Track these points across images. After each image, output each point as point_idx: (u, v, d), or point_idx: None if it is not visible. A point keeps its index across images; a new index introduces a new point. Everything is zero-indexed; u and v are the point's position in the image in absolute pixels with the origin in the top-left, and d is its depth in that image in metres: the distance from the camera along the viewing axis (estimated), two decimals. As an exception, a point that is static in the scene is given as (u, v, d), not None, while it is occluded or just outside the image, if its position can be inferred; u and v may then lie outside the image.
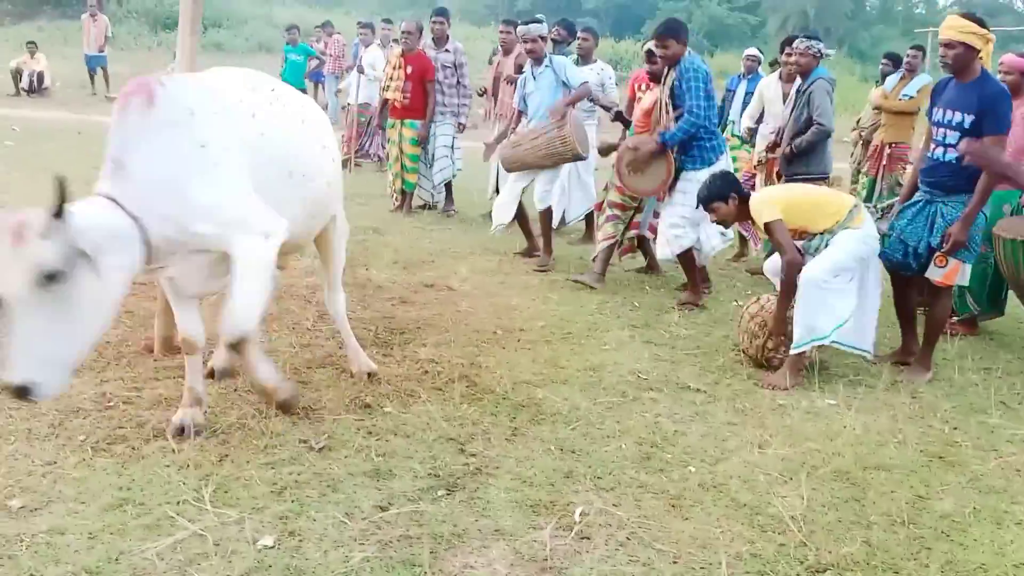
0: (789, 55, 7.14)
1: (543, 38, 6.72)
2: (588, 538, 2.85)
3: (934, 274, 4.32)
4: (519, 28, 7.16)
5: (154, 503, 2.84)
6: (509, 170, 6.76)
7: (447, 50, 8.13)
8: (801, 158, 6.17)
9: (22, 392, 2.61)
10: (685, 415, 3.90)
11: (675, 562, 2.73)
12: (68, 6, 31.10)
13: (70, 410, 3.46)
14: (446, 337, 4.72)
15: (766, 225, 4.41)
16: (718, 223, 4.84)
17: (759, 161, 7.41)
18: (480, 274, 6.20)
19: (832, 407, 4.08)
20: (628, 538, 2.85)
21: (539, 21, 6.80)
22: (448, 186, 8.48)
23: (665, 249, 5.75)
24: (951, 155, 4.19)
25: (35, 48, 16.04)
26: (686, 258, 5.73)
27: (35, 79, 16.12)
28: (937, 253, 4.26)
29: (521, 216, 6.77)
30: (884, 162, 9.58)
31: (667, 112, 5.64)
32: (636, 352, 4.72)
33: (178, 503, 2.86)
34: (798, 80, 6.65)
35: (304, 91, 12.26)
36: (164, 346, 4.21)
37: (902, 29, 52.87)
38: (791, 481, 3.31)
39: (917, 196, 4.46)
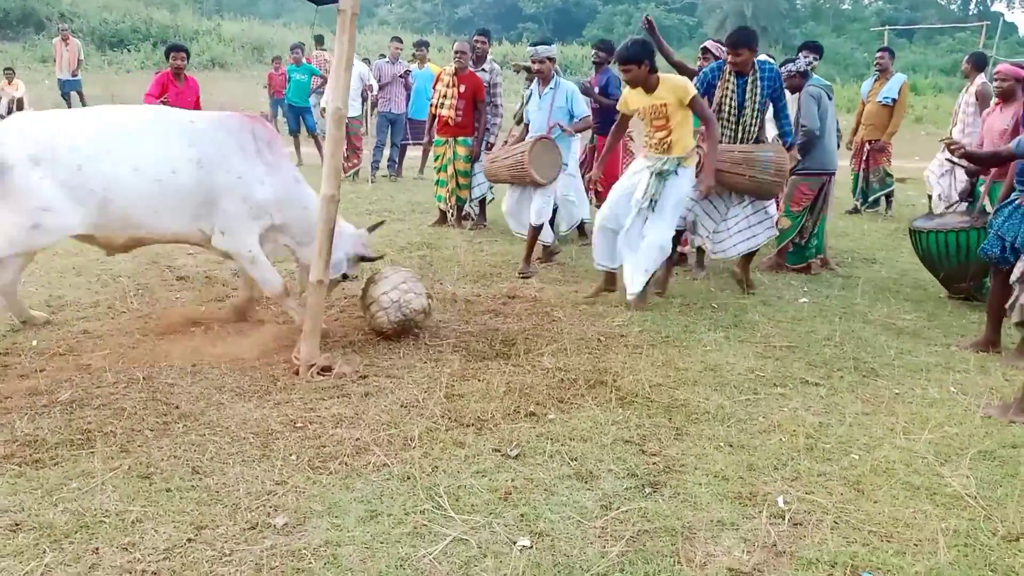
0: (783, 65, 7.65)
1: (551, 59, 6.97)
2: (801, 524, 3.09)
3: (1031, 267, 4.69)
4: (528, 49, 7.40)
5: (401, 513, 3.01)
6: (488, 180, 7.29)
7: (484, 69, 8.33)
8: (803, 160, 6.92)
9: None
10: (818, 408, 4.18)
11: (890, 540, 3.00)
12: (7, 27, 30.42)
13: (266, 432, 3.60)
14: (560, 346, 4.93)
15: (694, 98, 5.44)
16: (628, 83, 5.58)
17: None
18: (552, 284, 6.42)
19: (944, 394, 4.40)
20: (836, 522, 3.11)
21: (548, 43, 7.06)
22: (482, 202, 8.67)
23: (753, 242, 6.26)
24: None
25: (12, 74, 15.71)
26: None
27: (14, 106, 15.80)
28: None
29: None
30: (864, 157, 10.22)
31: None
32: (739, 351, 4.99)
33: (422, 512, 3.02)
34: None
35: (309, 110, 12.35)
36: (308, 369, 4.34)
37: (832, 25, 54.85)
38: (948, 463, 3.60)
39: (1013, 196, 4.82)
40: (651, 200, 5.59)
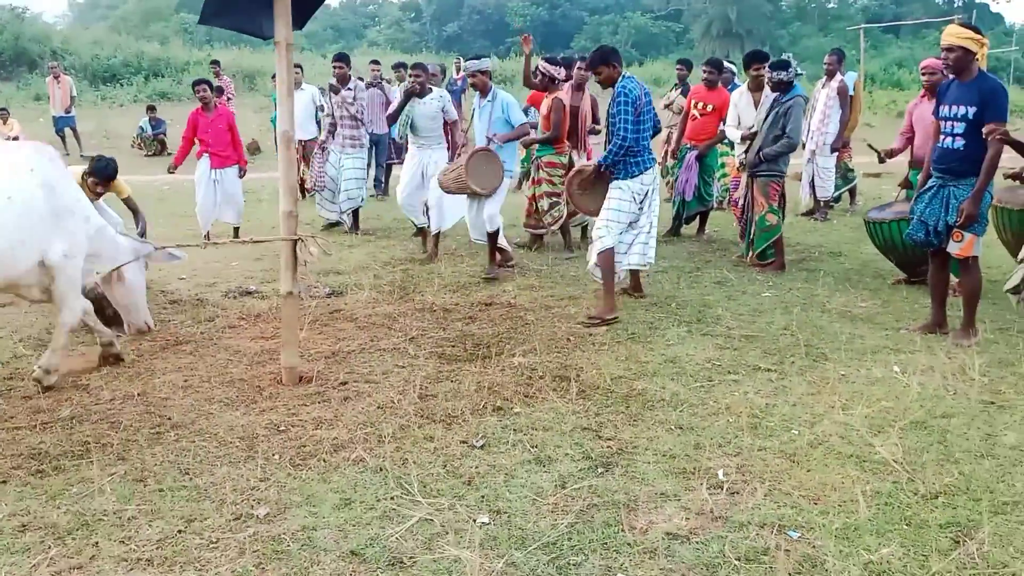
0: (757, 68, 7.94)
1: (483, 72, 7.38)
2: (737, 493, 3.40)
3: (953, 248, 5.01)
4: (464, 63, 7.83)
5: (373, 500, 3.32)
6: (444, 191, 7.40)
7: (349, 88, 9.14)
8: (769, 162, 7.04)
9: None
10: (767, 391, 4.49)
11: (816, 503, 3.30)
12: (0, 68, 30.87)
13: (251, 436, 3.91)
14: (530, 347, 5.24)
15: None
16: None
17: (741, 164, 8.11)
18: (525, 291, 6.72)
19: (887, 373, 4.71)
20: (770, 489, 3.41)
21: (480, 58, 7.50)
22: (355, 212, 9.49)
23: (592, 248, 6.14)
24: (959, 143, 4.90)
25: (7, 114, 16.04)
26: (605, 264, 5.95)
27: (10, 144, 16.16)
28: (954, 229, 4.95)
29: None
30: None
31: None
32: (699, 344, 5.30)
33: (392, 499, 3.33)
34: (766, 90, 7.47)
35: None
36: (290, 376, 4.65)
37: (818, 25, 55.27)
38: (881, 433, 3.91)
39: (931, 183, 5.15)
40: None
